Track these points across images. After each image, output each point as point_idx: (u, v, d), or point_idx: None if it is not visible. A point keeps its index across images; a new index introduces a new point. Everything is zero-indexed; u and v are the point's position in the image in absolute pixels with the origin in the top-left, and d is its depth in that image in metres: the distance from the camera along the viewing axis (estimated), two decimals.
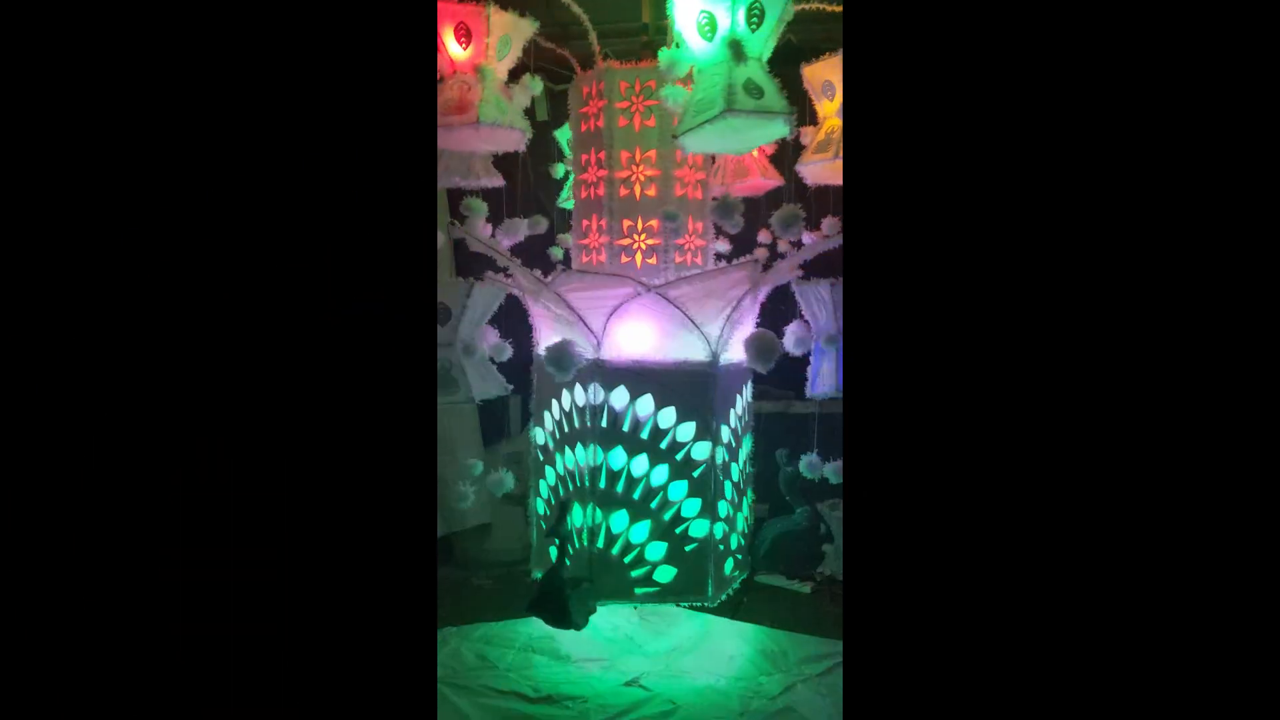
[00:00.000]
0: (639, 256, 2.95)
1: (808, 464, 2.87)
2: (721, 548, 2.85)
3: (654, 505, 2.82)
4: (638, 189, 2.95)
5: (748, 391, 3.07)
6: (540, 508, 3.06)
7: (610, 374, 2.84)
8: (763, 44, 2.33)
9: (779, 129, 2.35)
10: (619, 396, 2.84)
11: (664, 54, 2.42)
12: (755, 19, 2.26)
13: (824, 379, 2.92)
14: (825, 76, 2.81)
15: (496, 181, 2.97)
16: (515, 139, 2.57)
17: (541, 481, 3.05)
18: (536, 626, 3.11)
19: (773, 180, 3.22)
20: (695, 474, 2.81)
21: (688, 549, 2.81)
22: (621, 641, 3.01)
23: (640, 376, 2.83)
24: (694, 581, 2.82)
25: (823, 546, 3.85)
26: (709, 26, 2.27)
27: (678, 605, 3.03)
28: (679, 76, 2.41)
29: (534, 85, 2.67)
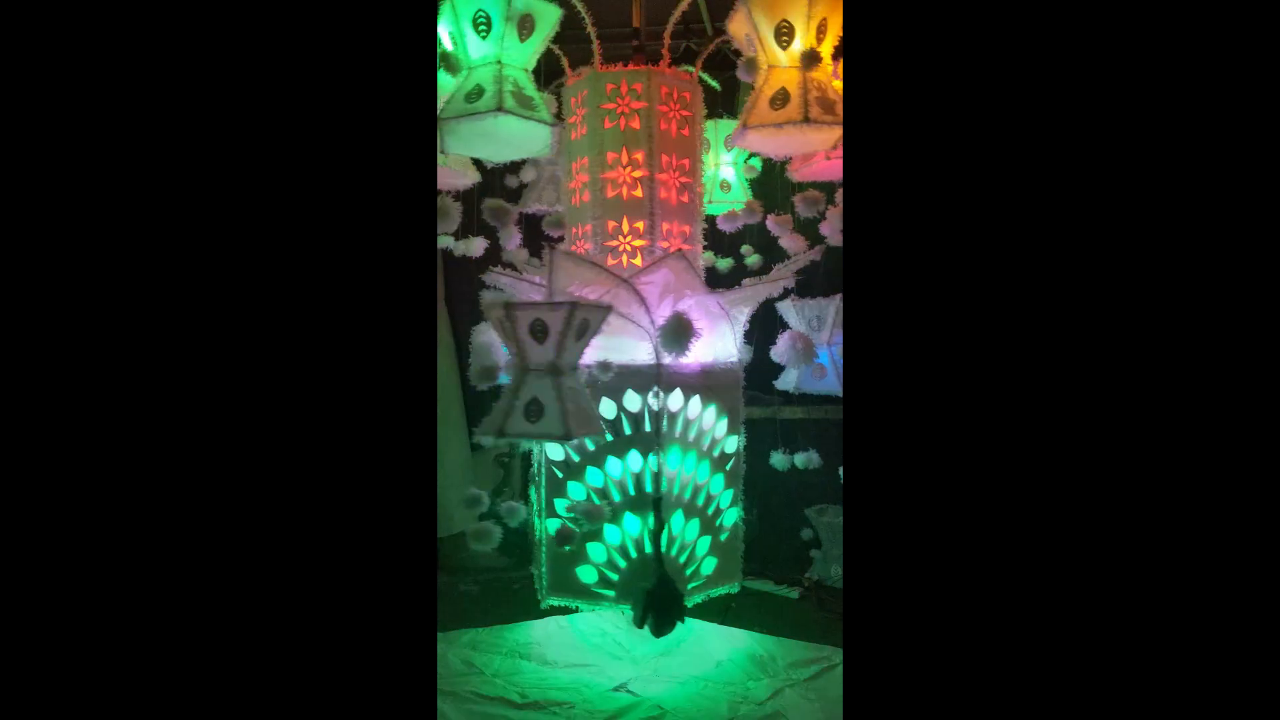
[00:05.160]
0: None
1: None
2: (567, 548, 2.91)
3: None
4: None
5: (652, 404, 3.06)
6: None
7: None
8: (527, 57, 2.45)
9: (540, 135, 2.45)
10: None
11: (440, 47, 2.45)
12: (526, 30, 2.37)
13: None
14: (782, 14, 2.45)
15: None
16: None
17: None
18: (523, 632, 3.10)
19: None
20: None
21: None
22: (609, 646, 3.00)
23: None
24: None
25: (810, 552, 3.86)
26: (485, 26, 2.35)
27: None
28: (452, 69, 2.45)
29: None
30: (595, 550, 2.92)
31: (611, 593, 2.92)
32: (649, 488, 2.86)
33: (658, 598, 2.78)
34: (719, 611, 3.18)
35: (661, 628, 2.80)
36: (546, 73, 3.09)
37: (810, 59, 2.45)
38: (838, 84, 2.58)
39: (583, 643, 3.03)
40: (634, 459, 2.88)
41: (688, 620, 3.09)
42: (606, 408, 2.86)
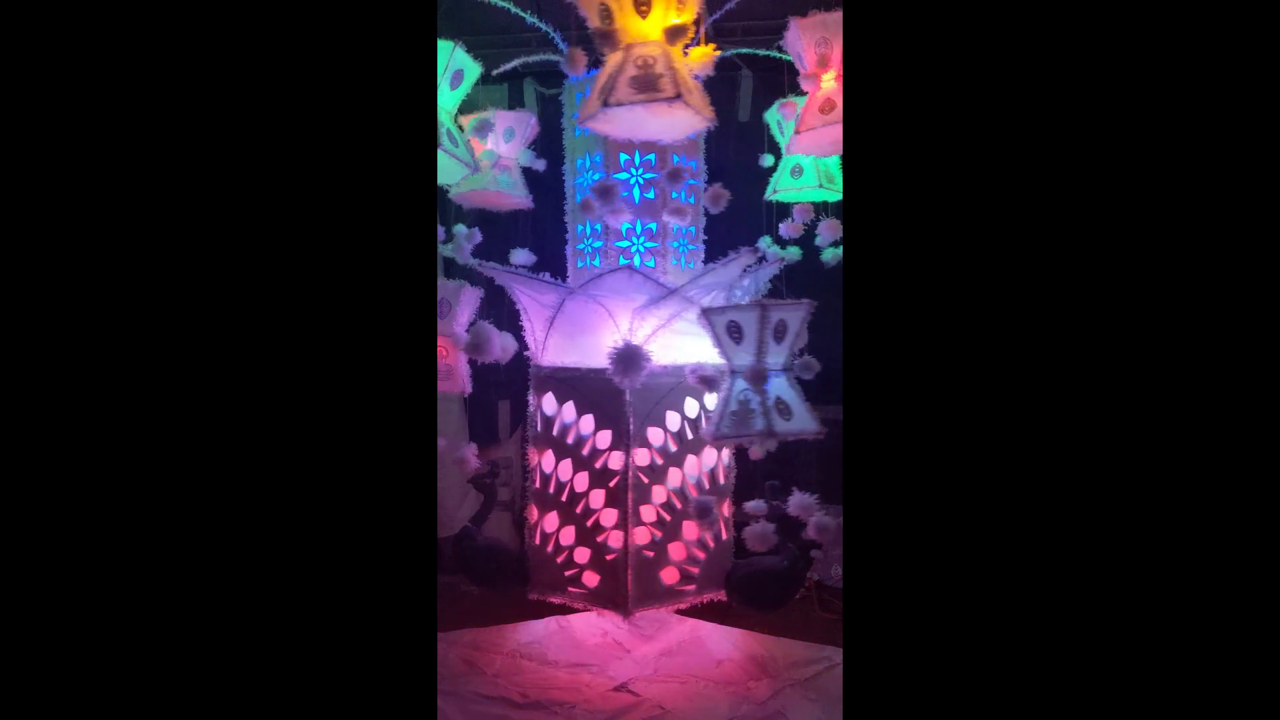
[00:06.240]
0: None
1: (799, 505, 2.74)
2: (649, 554, 2.85)
3: (578, 511, 2.89)
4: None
5: (719, 399, 3.03)
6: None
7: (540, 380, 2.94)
8: (455, 102, 2.63)
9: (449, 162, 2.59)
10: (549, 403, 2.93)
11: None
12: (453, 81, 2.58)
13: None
14: None
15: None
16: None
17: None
18: (524, 632, 3.10)
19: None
20: (611, 484, 2.82)
21: (608, 558, 2.84)
22: (610, 646, 3.00)
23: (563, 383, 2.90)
24: (612, 591, 2.84)
25: (810, 552, 3.86)
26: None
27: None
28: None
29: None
30: (674, 549, 2.91)
31: (693, 588, 2.92)
32: (720, 480, 2.99)
33: (791, 577, 2.87)
34: (720, 612, 3.18)
35: (782, 605, 2.91)
36: (555, 75, 3.10)
37: (603, 39, 2.39)
38: (699, 53, 2.45)
39: (583, 642, 3.03)
40: (709, 454, 2.96)
41: (687, 621, 3.11)
42: (690, 407, 2.92)
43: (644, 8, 2.34)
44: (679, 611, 3.02)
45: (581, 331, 2.87)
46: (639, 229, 2.95)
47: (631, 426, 2.78)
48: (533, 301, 2.95)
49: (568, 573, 2.92)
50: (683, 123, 2.46)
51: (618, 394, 2.76)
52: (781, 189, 3.28)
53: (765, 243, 3.12)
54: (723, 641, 3.02)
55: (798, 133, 2.71)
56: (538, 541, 2.99)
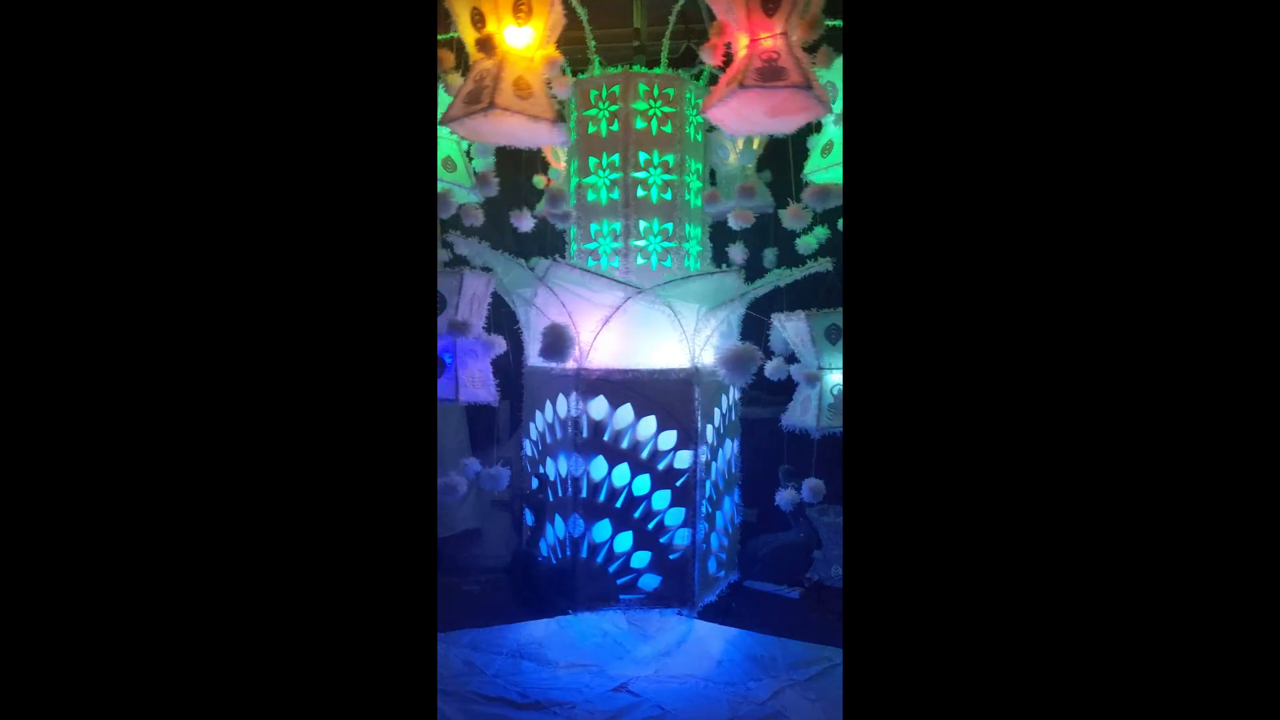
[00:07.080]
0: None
1: (810, 488, 2.89)
2: (703, 546, 2.97)
3: (637, 515, 2.91)
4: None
5: (733, 393, 3.10)
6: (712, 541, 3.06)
7: (590, 384, 2.90)
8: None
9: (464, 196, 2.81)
10: (598, 407, 2.89)
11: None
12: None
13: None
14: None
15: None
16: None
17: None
18: (524, 632, 3.10)
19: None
20: (678, 483, 2.85)
21: (672, 557, 2.89)
22: (610, 646, 3.00)
23: (618, 386, 2.89)
24: (679, 589, 2.89)
25: (812, 552, 3.86)
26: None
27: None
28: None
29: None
30: (714, 540, 3.05)
31: (723, 573, 3.10)
32: (734, 468, 3.23)
33: (807, 548, 3.19)
34: (719, 611, 3.19)
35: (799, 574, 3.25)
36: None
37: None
38: (543, 56, 2.46)
39: (583, 643, 3.03)
40: (729, 446, 3.17)
41: (689, 620, 3.11)
42: (723, 402, 3.08)
43: (479, 24, 2.41)
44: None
45: (644, 332, 2.86)
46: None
47: (699, 424, 2.86)
48: (585, 302, 2.85)
49: (621, 580, 2.90)
50: (530, 128, 2.48)
51: (684, 394, 2.81)
52: (811, 169, 3.08)
53: (810, 244, 3.06)
54: (722, 641, 3.02)
55: (706, 107, 2.59)
56: (585, 554, 2.90)
